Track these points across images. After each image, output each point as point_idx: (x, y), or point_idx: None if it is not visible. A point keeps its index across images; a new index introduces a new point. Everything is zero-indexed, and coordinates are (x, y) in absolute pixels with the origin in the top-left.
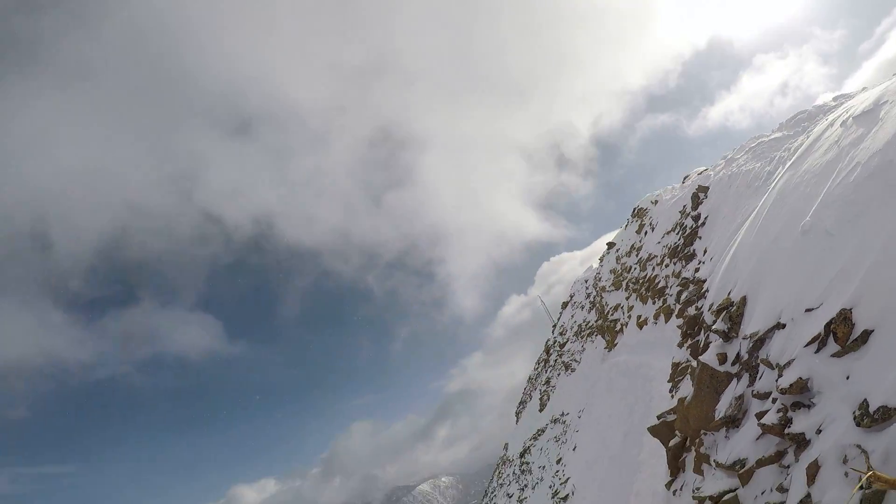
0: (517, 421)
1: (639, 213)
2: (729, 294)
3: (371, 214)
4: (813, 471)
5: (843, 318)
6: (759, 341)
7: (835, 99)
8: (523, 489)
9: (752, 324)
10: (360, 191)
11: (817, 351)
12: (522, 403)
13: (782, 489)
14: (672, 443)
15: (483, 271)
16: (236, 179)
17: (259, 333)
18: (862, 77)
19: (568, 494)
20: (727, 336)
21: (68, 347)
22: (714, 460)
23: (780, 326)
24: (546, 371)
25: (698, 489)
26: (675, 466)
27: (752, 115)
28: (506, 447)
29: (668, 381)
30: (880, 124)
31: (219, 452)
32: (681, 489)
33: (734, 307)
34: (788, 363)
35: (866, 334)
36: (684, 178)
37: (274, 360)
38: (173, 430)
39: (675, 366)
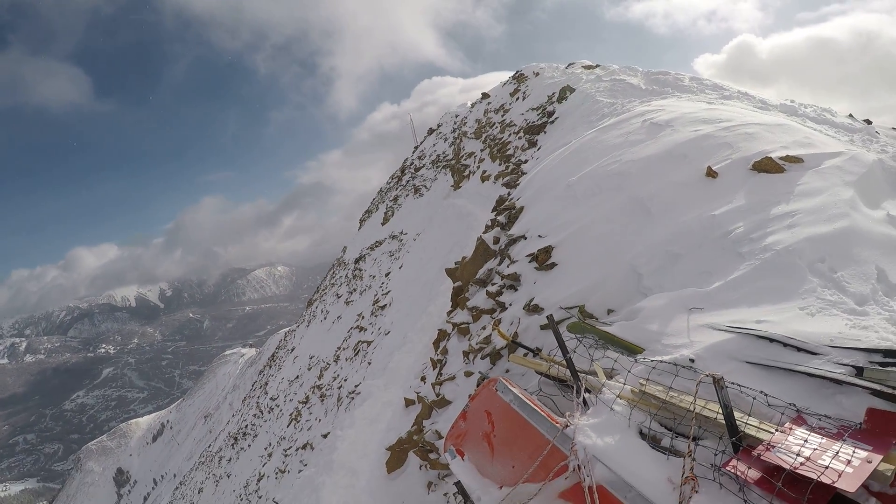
0: (360, 228)
1: (519, 78)
2: (517, 200)
3: None
4: (497, 324)
5: (546, 251)
6: (513, 241)
7: (695, 80)
8: (352, 293)
9: (515, 228)
10: None
11: (529, 262)
12: (368, 212)
13: (486, 329)
14: (456, 284)
15: (368, 75)
16: None
17: (128, 95)
18: (787, 39)
19: (386, 304)
20: (504, 227)
21: None
22: (467, 305)
23: (524, 238)
24: (397, 188)
25: (452, 318)
26: (455, 302)
27: (673, 27)
28: (344, 250)
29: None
30: (655, 140)
31: (62, 213)
32: (454, 319)
33: (514, 211)
34: (514, 262)
35: (552, 265)
36: (569, 65)
37: (138, 124)
38: (16, 185)
39: (488, 227)
